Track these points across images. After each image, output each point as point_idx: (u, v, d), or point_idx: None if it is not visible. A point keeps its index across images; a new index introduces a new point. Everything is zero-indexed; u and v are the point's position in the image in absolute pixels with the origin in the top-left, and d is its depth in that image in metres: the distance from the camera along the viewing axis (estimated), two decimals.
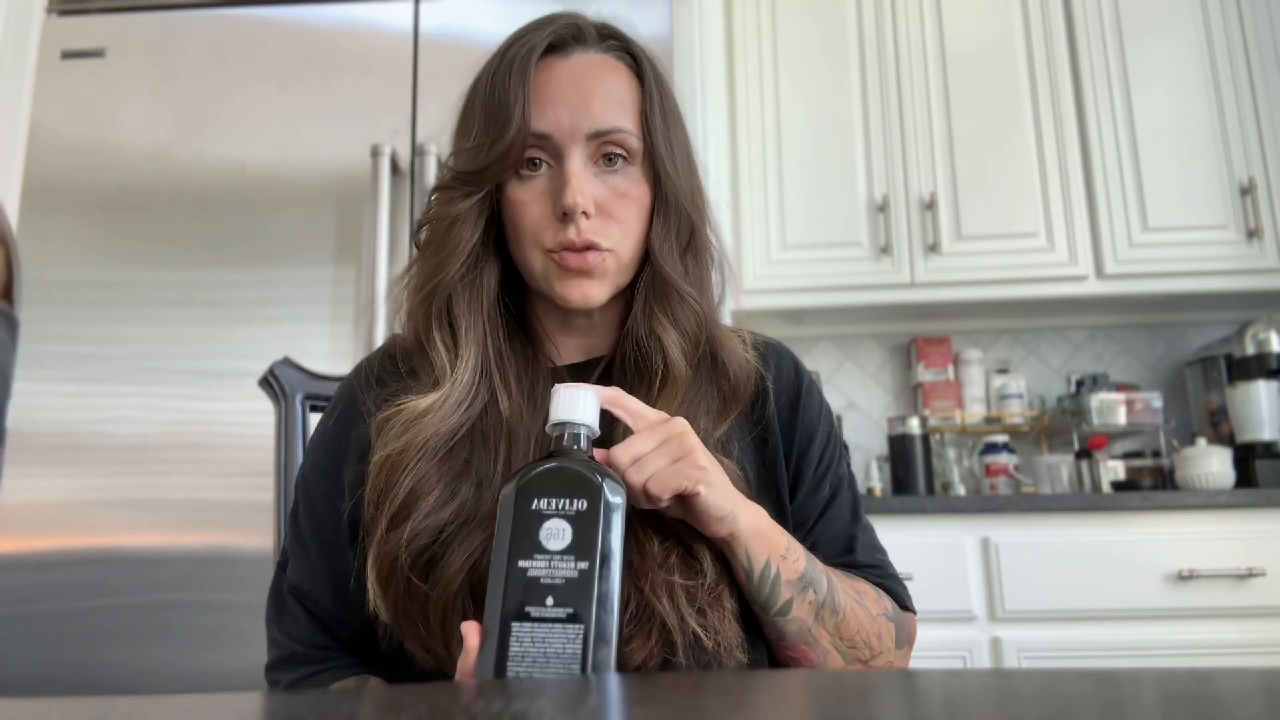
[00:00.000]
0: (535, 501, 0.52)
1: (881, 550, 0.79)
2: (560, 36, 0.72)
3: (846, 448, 2.29)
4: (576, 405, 0.56)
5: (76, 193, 1.65)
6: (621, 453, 0.58)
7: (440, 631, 0.63)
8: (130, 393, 1.56)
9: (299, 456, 0.91)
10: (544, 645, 0.50)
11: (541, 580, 0.51)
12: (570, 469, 0.54)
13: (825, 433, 0.78)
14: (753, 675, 0.52)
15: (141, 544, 1.50)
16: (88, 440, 1.55)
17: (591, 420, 0.57)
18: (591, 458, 0.56)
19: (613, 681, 0.46)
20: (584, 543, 0.51)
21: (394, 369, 0.73)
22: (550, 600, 0.50)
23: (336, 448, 0.74)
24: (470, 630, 0.52)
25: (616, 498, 0.53)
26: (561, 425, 0.56)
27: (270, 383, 0.94)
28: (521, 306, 0.76)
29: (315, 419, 0.87)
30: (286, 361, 0.96)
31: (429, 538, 0.63)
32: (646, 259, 0.72)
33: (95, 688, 1.44)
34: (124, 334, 1.59)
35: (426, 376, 0.70)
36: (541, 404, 0.70)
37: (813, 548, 0.72)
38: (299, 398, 0.94)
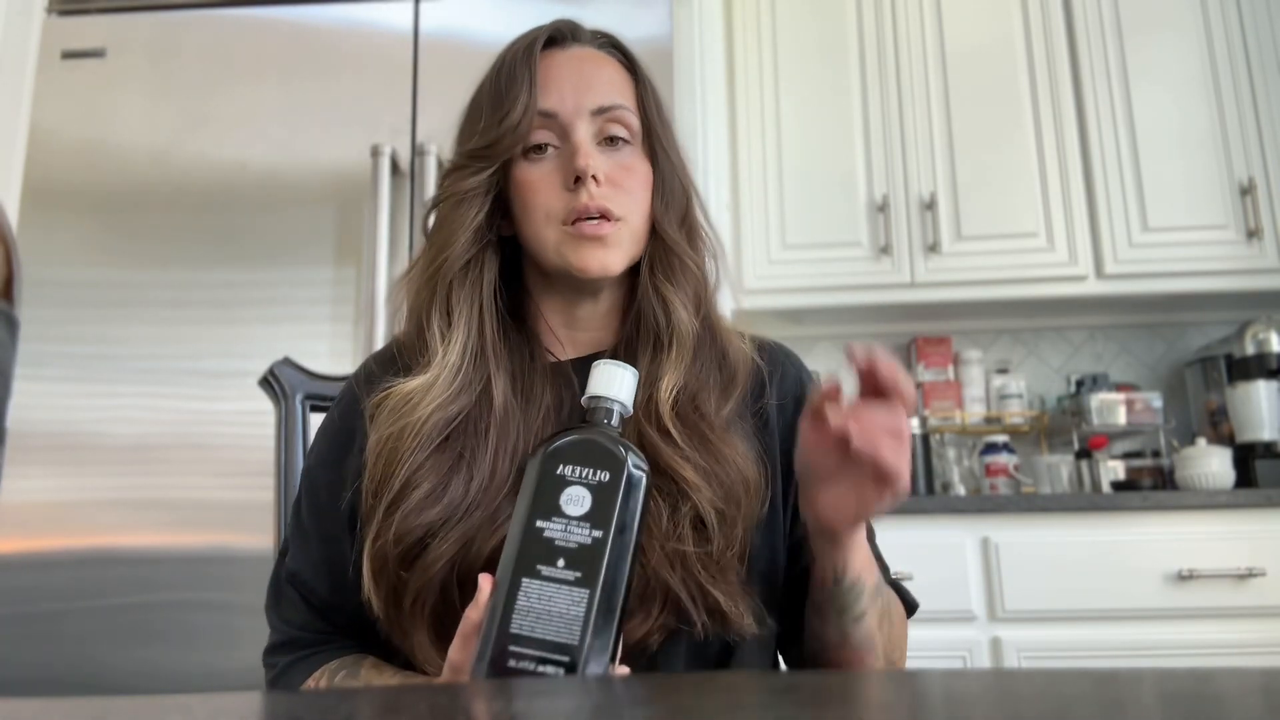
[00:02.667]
0: (560, 467, 0.54)
1: (883, 561, 0.80)
2: (559, 31, 0.77)
3: None
4: (614, 382, 0.58)
5: (76, 193, 1.65)
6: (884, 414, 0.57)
7: (410, 615, 0.64)
8: (130, 393, 1.56)
9: (299, 456, 0.92)
10: (549, 604, 0.51)
11: (556, 542, 0.52)
12: (598, 441, 0.55)
13: None
14: (751, 675, 0.52)
15: (141, 544, 1.50)
16: (88, 440, 1.55)
17: (626, 399, 0.58)
18: (621, 434, 0.57)
19: (611, 681, 0.46)
20: (601, 512, 0.53)
21: (394, 366, 0.74)
22: (561, 562, 0.52)
23: (339, 440, 0.75)
24: (484, 580, 0.54)
25: (639, 474, 0.55)
26: (596, 399, 0.58)
27: (270, 383, 0.94)
28: (522, 302, 0.77)
29: (315, 419, 0.88)
30: (286, 361, 0.96)
31: (420, 533, 0.64)
32: (650, 235, 0.74)
33: (95, 688, 1.44)
34: (124, 334, 1.59)
35: (422, 361, 0.71)
36: (537, 400, 0.71)
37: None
38: (299, 398, 0.94)
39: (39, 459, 1.54)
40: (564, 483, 0.53)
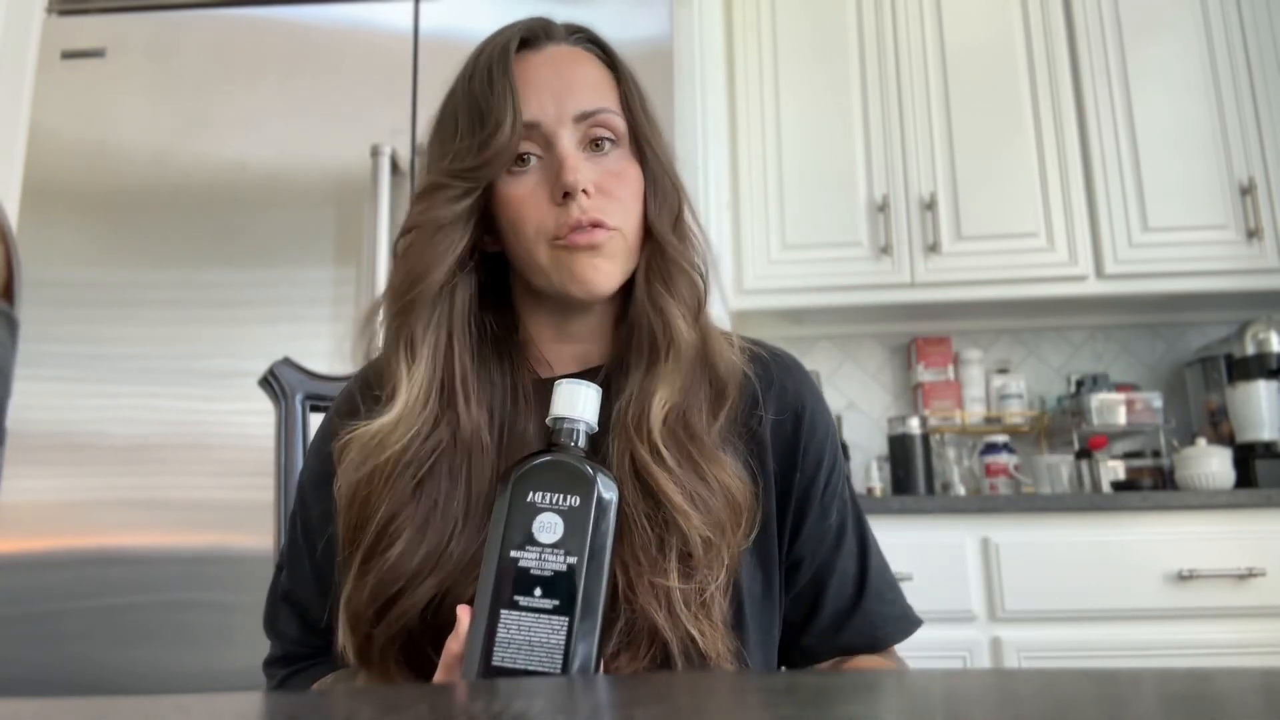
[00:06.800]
0: (530, 494, 0.54)
1: (887, 568, 0.79)
2: (532, 31, 0.73)
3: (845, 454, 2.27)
4: (576, 401, 0.57)
5: (76, 193, 1.65)
6: None
7: (380, 661, 0.62)
8: (129, 393, 1.56)
9: (299, 456, 0.92)
10: (530, 634, 0.51)
11: (531, 571, 0.52)
12: (567, 464, 0.55)
13: (831, 454, 0.76)
14: (751, 676, 0.52)
15: (141, 544, 1.50)
16: (87, 440, 1.55)
17: (590, 417, 0.57)
18: (587, 453, 0.57)
19: (611, 682, 0.46)
20: (574, 537, 0.53)
21: (367, 392, 0.72)
22: (539, 591, 0.52)
23: (326, 462, 0.73)
24: (463, 611, 0.53)
25: (609, 495, 0.54)
26: (560, 420, 0.57)
27: (270, 383, 0.94)
28: (507, 319, 0.74)
29: (315, 419, 0.88)
30: (286, 361, 0.96)
31: (398, 586, 0.61)
32: (645, 241, 0.71)
33: (94, 688, 1.44)
34: (123, 334, 1.59)
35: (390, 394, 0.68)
36: (520, 428, 0.68)
37: (827, 583, 0.73)
38: (299, 398, 0.94)
39: (38, 459, 1.53)
40: (535, 510, 0.53)
